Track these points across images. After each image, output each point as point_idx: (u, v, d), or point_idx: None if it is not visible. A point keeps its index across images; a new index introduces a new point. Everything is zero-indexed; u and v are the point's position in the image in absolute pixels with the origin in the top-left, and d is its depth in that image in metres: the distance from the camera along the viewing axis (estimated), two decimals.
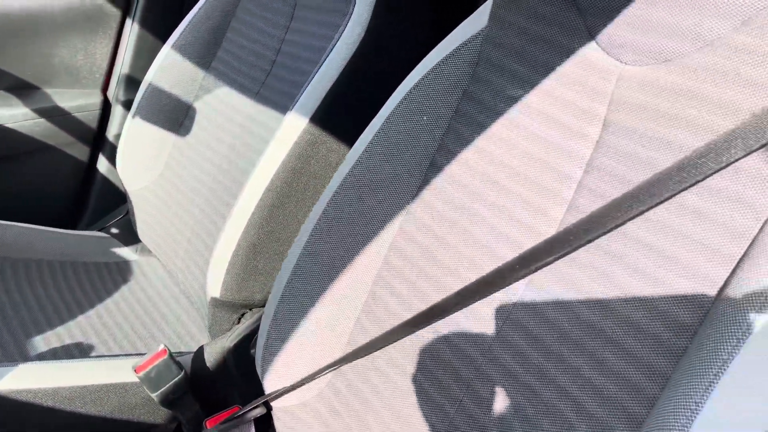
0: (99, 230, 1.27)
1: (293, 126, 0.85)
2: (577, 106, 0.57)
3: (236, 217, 0.87)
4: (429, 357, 0.64)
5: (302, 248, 0.70)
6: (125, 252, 1.23)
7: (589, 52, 0.56)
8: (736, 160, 0.31)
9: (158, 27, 1.24)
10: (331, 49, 0.88)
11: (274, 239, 0.86)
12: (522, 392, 0.55)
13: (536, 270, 0.41)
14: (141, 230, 1.20)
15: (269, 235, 0.86)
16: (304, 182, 0.87)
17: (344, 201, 0.69)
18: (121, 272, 1.19)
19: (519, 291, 0.57)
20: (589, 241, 0.37)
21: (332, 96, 0.86)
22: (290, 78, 0.99)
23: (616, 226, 0.36)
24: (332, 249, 0.70)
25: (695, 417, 0.40)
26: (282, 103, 0.97)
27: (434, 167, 0.67)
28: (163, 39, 1.18)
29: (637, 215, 0.37)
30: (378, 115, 0.70)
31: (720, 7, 0.47)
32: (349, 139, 0.85)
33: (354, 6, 0.89)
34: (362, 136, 0.70)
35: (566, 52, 0.58)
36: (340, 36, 0.88)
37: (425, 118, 0.67)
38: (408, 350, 0.65)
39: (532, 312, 0.56)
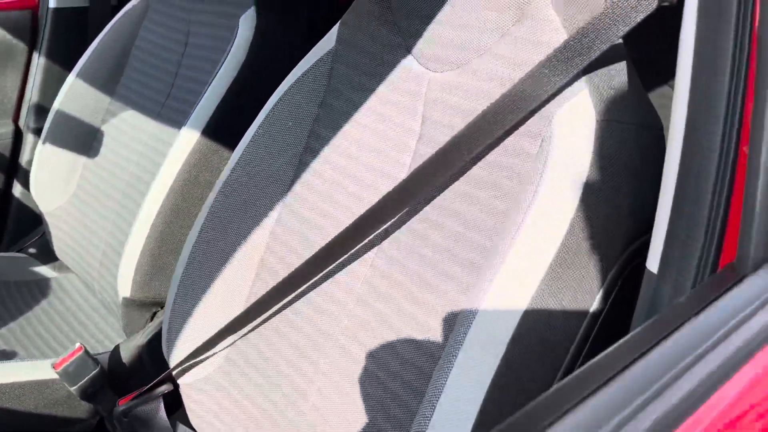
0: (18, 251, 1.34)
1: (186, 140, 0.97)
2: (403, 106, 0.71)
3: (140, 223, 0.97)
4: (293, 323, 0.76)
5: (194, 241, 0.82)
6: (44, 270, 1.30)
7: (409, 64, 0.71)
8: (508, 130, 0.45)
9: (63, 57, 1.33)
10: (218, 70, 1.00)
11: (176, 241, 0.97)
12: (368, 336, 0.69)
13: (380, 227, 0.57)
14: (58, 248, 1.28)
15: (171, 237, 0.97)
16: (200, 190, 0.98)
17: (228, 196, 0.81)
18: (41, 289, 1.26)
19: (367, 262, 0.71)
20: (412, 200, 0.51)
21: (220, 111, 0.98)
22: (186, 97, 1.10)
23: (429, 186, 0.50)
24: (220, 239, 0.82)
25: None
26: (180, 121, 1.08)
27: (301, 165, 0.80)
28: (69, 68, 1.27)
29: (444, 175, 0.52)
30: (254, 122, 0.83)
31: (485, 27, 0.62)
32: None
33: (237, 29, 1.02)
34: (241, 141, 0.83)
35: (393, 65, 0.73)
36: (226, 57, 1.00)
37: (290, 123, 0.80)
38: (285, 319, 0.78)
39: (376, 277, 0.70)
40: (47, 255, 1.31)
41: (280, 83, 0.84)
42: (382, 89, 0.73)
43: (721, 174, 0.42)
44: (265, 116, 0.82)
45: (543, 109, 0.57)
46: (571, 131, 0.55)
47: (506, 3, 0.60)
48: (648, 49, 0.81)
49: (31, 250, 1.33)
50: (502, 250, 0.55)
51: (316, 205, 0.78)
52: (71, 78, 1.23)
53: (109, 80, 1.24)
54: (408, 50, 0.71)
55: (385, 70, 0.73)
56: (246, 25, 1.01)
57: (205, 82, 1.05)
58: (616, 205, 0.54)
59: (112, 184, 1.18)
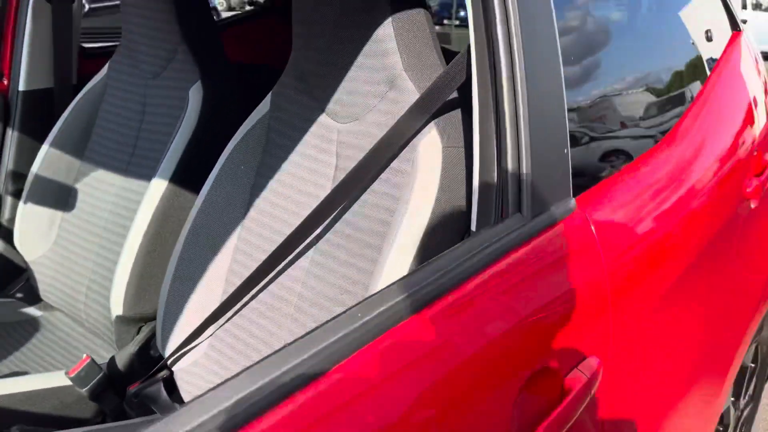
0: (5, 297, 1.56)
1: (157, 188, 1.26)
2: (322, 148, 1.03)
3: (126, 255, 1.24)
4: (259, 310, 1.06)
5: (176, 261, 1.10)
6: (31, 310, 1.53)
7: (323, 119, 1.04)
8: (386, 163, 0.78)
9: (33, 131, 1.58)
10: (176, 133, 1.29)
11: (158, 264, 1.25)
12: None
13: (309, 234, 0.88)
14: (43, 290, 1.51)
15: (153, 262, 1.25)
16: (173, 224, 1.26)
17: (199, 225, 1.10)
18: (32, 326, 1.49)
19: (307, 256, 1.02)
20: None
21: (182, 165, 1.27)
22: (148, 155, 1.39)
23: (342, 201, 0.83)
24: (196, 256, 1.11)
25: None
26: (145, 174, 1.36)
27: (252, 196, 1.11)
28: (40, 140, 1.52)
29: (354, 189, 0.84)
30: (213, 169, 1.13)
31: (371, 94, 0.96)
32: (199, 191, 1.27)
33: (188, 100, 1.31)
34: (205, 184, 1.12)
35: (312, 120, 1.05)
36: (181, 122, 1.30)
37: (242, 167, 1.11)
38: (252, 308, 1.07)
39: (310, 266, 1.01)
40: (33, 297, 1.54)
41: (229, 139, 1.14)
42: (307, 137, 1.05)
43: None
44: (221, 164, 1.12)
45: (411, 143, 0.90)
46: (428, 156, 0.89)
47: (381, 79, 0.94)
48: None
49: (18, 295, 1.56)
50: (392, 233, 0.87)
51: (265, 223, 1.08)
52: (45, 147, 1.49)
53: (78, 147, 1.50)
54: (322, 110, 1.04)
55: (307, 125, 1.05)
56: (195, 95, 1.31)
57: (165, 143, 1.33)
58: (458, 197, 0.88)
59: (90, 230, 1.44)
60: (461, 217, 0.87)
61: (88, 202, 1.48)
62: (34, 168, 1.49)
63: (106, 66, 1.50)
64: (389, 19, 0.90)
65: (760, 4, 14.16)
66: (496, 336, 0.68)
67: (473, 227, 0.78)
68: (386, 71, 0.93)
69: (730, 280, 1.20)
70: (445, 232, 0.87)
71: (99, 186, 1.47)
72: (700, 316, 1.11)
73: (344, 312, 0.61)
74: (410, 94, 0.92)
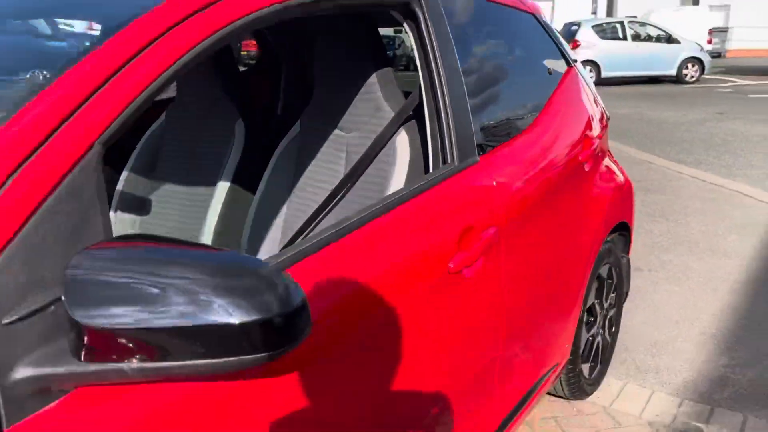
0: None
1: (220, 194, 1.96)
2: (336, 148, 1.78)
3: (207, 228, 1.94)
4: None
5: (246, 241, 1.81)
6: None
7: (337, 131, 1.79)
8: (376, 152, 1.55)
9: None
10: (230, 155, 2.00)
11: (237, 224, 1.94)
12: None
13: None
14: None
15: (233, 222, 1.95)
16: (237, 218, 1.96)
17: (259, 211, 1.83)
18: None
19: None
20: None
21: (237, 175, 1.98)
22: (206, 171, 2.08)
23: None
24: (267, 212, 1.82)
25: None
26: (205, 185, 2.05)
27: (295, 180, 1.84)
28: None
29: (358, 171, 1.60)
30: (265, 171, 1.85)
31: (365, 114, 1.73)
32: (251, 193, 1.97)
33: (235, 134, 2.03)
34: (261, 182, 1.85)
35: (330, 132, 1.80)
36: (232, 149, 2.01)
37: (285, 167, 1.84)
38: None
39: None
40: None
41: (267, 154, 1.87)
42: (327, 143, 1.80)
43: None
44: (272, 166, 1.85)
45: (390, 140, 1.66)
46: (402, 146, 1.64)
47: (371, 106, 1.70)
48: None
49: None
50: (386, 187, 1.62)
51: (305, 197, 1.81)
52: (125, 171, 2.16)
53: (149, 168, 2.17)
54: (335, 126, 1.79)
55: (327, 135, 1.80)
56: (239, 129, 2.03)
57: (219, 163, 2.04)
58: (419, 164, 1.65)
59: (163, 230, 2.11)
60: (422, 172, 1.64)
61: (160, 207, 2.15)
62: (119, 186, 2.15)
63: (165, 112, 2.20)
64: (374, 74, 1.67)
65: (639, 35, 15.99)
66: (442, 212, 1.42)
67: (430, 171, 1.55)
68: (374, 101, 1.70)
69: (578, 212, 2.02)
70: (415, 179, 1.63)
71: (168, 196, 2.15)
72: (560, 234, 1.92)
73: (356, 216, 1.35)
74: (388, 113, 1.69)
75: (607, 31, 15.64)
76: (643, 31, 15.90)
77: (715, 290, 3.37)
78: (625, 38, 15.51)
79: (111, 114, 0.83)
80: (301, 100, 2.14)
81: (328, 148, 1.81)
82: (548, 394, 2.37)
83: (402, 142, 1.64)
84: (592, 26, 15.53)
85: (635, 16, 21.27)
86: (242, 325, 0.70)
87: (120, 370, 0.71)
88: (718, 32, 25.20)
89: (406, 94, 1.74)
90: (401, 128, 1.65)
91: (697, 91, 13.62)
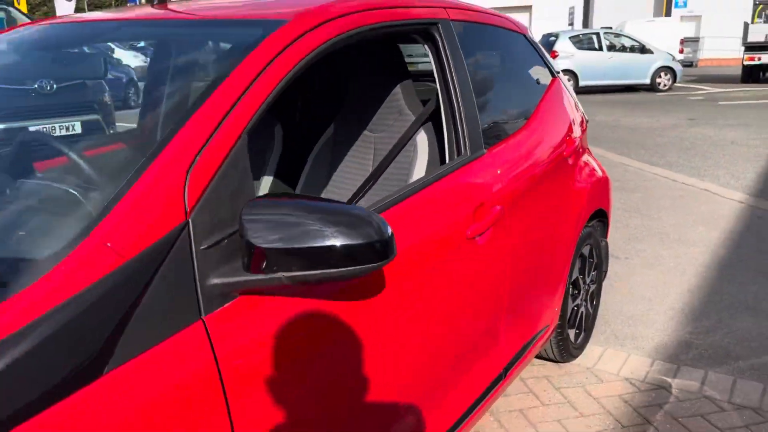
0: None
1: (265, 184, 2.34)
2: (366, 145, 2.17)
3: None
4: None
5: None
6: None
7: (366, 131, 2.18)
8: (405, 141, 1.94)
9: None
10: (271, 155, 2.38)
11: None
12: None
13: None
14: None
15: None
16: None
17: (313, 164, 2.20)
18: None
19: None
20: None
21: (279, 171, 2.36)
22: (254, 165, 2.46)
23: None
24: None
25: None
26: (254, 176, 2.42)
27: (330, 172, 2.22)
28: None
29: (386, 163, 1.99)
30: (305, 167, 2.23)
31: (390, 117, 2.11)
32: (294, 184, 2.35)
33: (276, 137, 2.41)
34: (300, 178, 2.22)
35: (360, 133, 2.19)
36: (273, 151, 2.39)
37: (322, 161, 2.22)
38: None
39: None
40: None
41: (303, 151, 2.25)
42: (357, 142, 2.19)
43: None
44: (309, 166, 2.23)
45: (412, 138, 2.05)
46: (422, 143, 2.04)
47: (395, 110, 2.09)
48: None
49: None
50: (410, 178, 2.01)
51: (339, 185, 2.19)
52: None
53: None
54: (364, 128, 2.18)
55: (357, 135, 2.19)
56: (278, 132, 2.41)
57: (264, 160, 2.41)
58: (436, 157, 2.04)
59: None
60: (438, 164, 2.03)
61: None
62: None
63: None
64: (398, 85, 2.07)
65: (614, 45, 16.61)
66: (460, 192, 1.81)
67: (446, 162, 1.94)
68: (397, 107, 2.09)
69: (563, 198, 2.43)
70: (433, 169, 2.02)
71: None
72: (549, 215, 2.32)
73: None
74: (410, 117, 2.08)
75: (583, 42, 16.26)
76: (618, 42, 16.54)
77: (682, 273, 3.80)
78: (601, 48, 16.14)
79: (250, 112, 1.21)
80: (329, 108, 2.53)
81: (359, 147, 2.20)
82: (541, 358, 2.76)
83: (422, 140, 2.03)
84: (570, 37, 16.14)
85: (610, 27, 21.98)
86: (354, 246, 1.08)
87: (277, 278, 1.08)
88: (690, 42, 26.07)
89: (422, 102, 2.14)
90: (421, 128, 2.05)
91: (669, 99, 14.24)
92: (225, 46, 1.47)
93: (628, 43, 16.53)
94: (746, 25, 17.47)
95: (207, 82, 1.24)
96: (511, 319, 2.05)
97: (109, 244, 0.97)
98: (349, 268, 1.09)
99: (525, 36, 2.58)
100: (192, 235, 1.06)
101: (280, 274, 1.08)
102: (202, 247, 1.07)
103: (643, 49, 16.30)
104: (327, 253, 1.07)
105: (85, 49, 1.76)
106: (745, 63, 17.48)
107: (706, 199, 5.48)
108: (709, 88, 16.43)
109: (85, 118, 7.28)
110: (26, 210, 1.21)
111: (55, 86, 6.73)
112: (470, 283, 1.78)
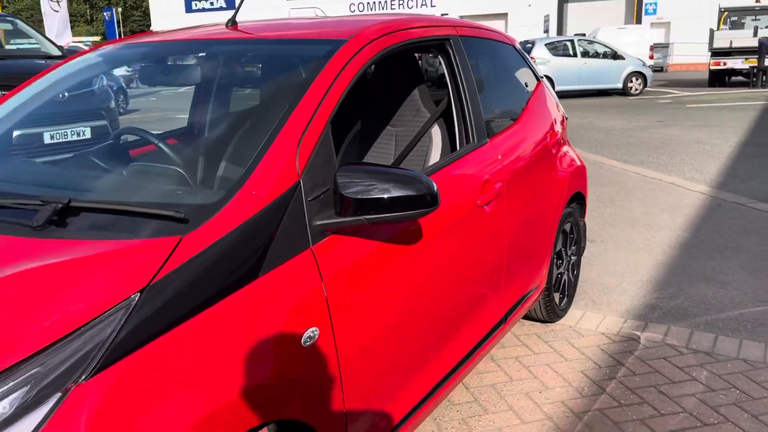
0: None
1: None
2: (387, 140, 2.66)
3: None
4: None
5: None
6: None
7: (389, 128, 2.66)
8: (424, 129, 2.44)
9: None
10: None
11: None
12: None
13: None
14: None
15: None
16: None
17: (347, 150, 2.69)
18: None
19: None
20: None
21: None
22: None
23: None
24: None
25: None
26: None
27: (359, 159, 2.70)
28: None
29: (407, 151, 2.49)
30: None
31: (410, 113, 2.61)
32: None
33: None
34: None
35: (383, 128, 2.67)
36: None
37: (350, 152, 2.70)
38: None
39: None
40: None
41: (339, 145, 2.74)
42: (381, 136, 2.67)
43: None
44: (340, 157, 2.71)
45: (428, 131, 2.54)
46: (436, 135, 2.53)
47: (413, 108, 2.59)
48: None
49: None
50: (426, 163, 2.50)
51: None
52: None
53: None
54: (387, 123, 2.66)
55: (380, 130, 2.67)
56: None
57: None
58: (447, 146, 2.53)
59: None
60: (450, 151, 2.52)
61: None
62: None
63: None
64: (416, 88, 2.56)
65: (588, 52, 17.33)
66: (471, 170, 2.30)
67: (457, 149, 2.43)
68: (415, 106, 2.59)
69: (548, 181, 2.94)
70: (446, 156, 2.51)
71: None
72: (538, 194, 2.82)
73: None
74: (426, 114, 2.57)
75: (558, 49, 16.96)
76: (591, 48, 17.27)
77: (650, 252, 4.35)
78: (575, 55, 16.85)
79: (331, 107, 1.69)
80: (358, 107, 3.00)
81: (382, 139, 2.68)
82: (531, 319, 3.27)
83: (436, 132, 2.53)
84: (545, 44, 16.83)
85: (584, 34, 22.74)
86: (413, 197, 1.57)
87: (359, 219, 1.56)
88: (660, 48, 27.03)
89: (435, 102, 2.63)
90: (435, 123, 2.54)
91: (640, 102, 14.97)
92: (307, 57, 1.94)
93: (601, 49, 17.27)
94: (712, 32, 18.33)
95: (298, 84, 1.72)
96: (510, 275, 2.54)
97: (254, 193, 1.45)
98: (408, 212, 1.57)
99: (514, 46, 3.10)
100: (303, 190, 1.53)
101: (362, 217, 1.56)
102: (309, 199, 1.55)
103: (615, 55, 17.04)
104: (394, 201, 1.56)
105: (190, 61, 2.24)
106: (712, 68, 18.34)
107: (672, 190, 6.06)
108: (677, 92, 17.24)
109: (94, 124, 7.78)
110: (197, 172, 1.71)
111: (67, 95, 7.12)
112: (480, 240, 2.27)
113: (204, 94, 2.42)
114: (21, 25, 7.85)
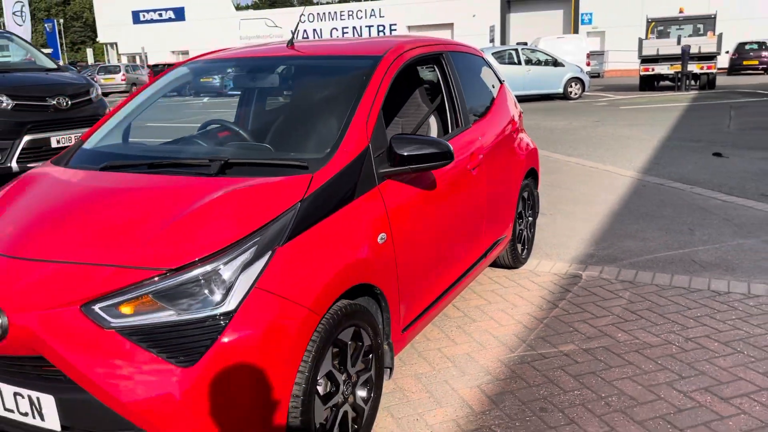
0: None
1: None
2: (395, 132, 3.61)
3: None
4: None
5: None
6: None
7: (397, 119, 3.62)
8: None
9: None
10: None
11: None
12: None
13: None
14: None
15: None
16: None
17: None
18: None
19: None
20: None
21: None
22: None
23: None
24: None
25: None
26: None
27: None
28: None
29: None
30: None
31: (412, 109, 3.57)
32: None
33: None
34: None
35: (391, 120, 3.62)
36: None
37: None
38: None
39: None
40: None
41: None
42: (392, 123, 3.62)
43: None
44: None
45: (427, 121, 3.50)
46: (433, 126, 3.49)
47: (415, 106, 3.54)
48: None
49: None
50: None
51: None
52: None
53: None
54: (395, 115, 3.61)
55: (389, 122, 3.62)
56: None
57: None
58: (441, 132, 3.50)
59: None
60: (444, 134, 3.49)
61: None
62: None
63: None
64: (417, 90, 3.53)
65: (531, 60, 18.69)
66: (463, 145, 3.26)
67: (449, 132, 3.40)
68: (416, 103, 3.55)
69: (511, 157, 3.95)
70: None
71: None
72: (504, 166, 3.82)
73: None
74: (424, 108, 3.54)
75: (504, 57, 18.28)
76: (533, 57, 18.67)
77: (590, 221, 5.43)
78: (519, 63, 18.20)
79: (380, 101, 2.62)
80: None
81: (391, 128, 3.62)
82: (500, 266, 4.27)
83: (433, 122, 3.50)
84: (492, 53, 18.11)
85: (526, 43, 24.26)
86: (437, 153, 2.53)
87: (405, 169, 2.51)
88: (596, 55, 28.91)
89: (430, 99, 3.60)
90: (431, 115, 3.51)
91: (579, 105, 16.40)
92: (359, 66, 2.87)
93: (542, 57, 18.69)
94: (640, 41, 20.03)
95: (360, 83, 2.65)
96: (488, 222, 3.53)
97: (346, 151, 2.38)
98: (435, 162, 2.53)
99: (482, 57, 4.11)
100: (371, 150, 2.47)
101: (407, 167, 2.50)
102: (374, 156, 2.48)
103: (555, 63, 18.48)
104: (426, 156, 2.50)
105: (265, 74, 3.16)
106: (642, 73, 20.04)
107: (607, 176, 7.22)
108: (612, 96, 18.82)
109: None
110: (309, 140, 2.65)
111: (69, 103, 7.83)
112: (471, 193, 3.24)
113: (283, 95, 3.34)
114: (17, 40, 8.45)
